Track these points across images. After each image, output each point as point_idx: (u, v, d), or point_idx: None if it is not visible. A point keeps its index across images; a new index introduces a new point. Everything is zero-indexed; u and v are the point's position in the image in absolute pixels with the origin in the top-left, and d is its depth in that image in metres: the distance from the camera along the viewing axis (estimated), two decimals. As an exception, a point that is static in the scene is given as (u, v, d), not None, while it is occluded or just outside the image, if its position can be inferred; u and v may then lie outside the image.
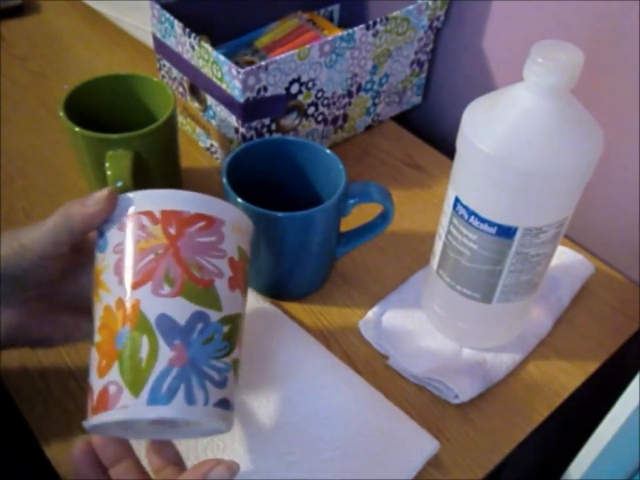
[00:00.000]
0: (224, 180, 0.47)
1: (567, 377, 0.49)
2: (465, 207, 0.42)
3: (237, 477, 0.42)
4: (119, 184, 0.50)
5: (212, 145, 0.65)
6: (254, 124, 0.58)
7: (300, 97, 0.59)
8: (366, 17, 0.75)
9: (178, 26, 0.59)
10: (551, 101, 0.37)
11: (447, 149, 0.62)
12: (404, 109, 0.71)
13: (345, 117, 0.66)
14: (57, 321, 0.40)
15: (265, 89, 0.56)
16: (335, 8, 0.77)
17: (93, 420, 0.33)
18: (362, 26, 0.59)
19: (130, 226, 0.34)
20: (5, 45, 0.79)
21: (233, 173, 0.49)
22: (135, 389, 0.32)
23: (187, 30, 0.58)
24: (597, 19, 0.54)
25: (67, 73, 0.76)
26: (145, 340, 0.32)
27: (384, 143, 0.69)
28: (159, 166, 0.55)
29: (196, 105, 0.63)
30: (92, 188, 0.56)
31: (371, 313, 0.52)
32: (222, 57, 0.55)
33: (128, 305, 0.33)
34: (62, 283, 0.39)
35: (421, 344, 0.50)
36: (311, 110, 0.62)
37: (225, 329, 0.34)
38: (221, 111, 0.59)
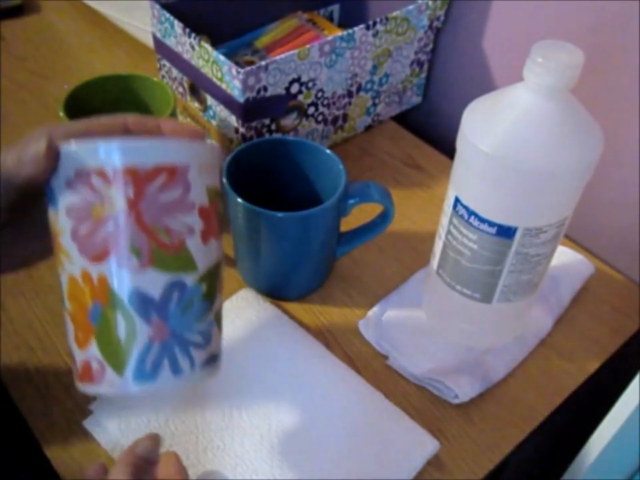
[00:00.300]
0: (224, 180, 0.47)
1: (567, 377, 0.49)
2: (465, 207, 0.42)
3: (237, 477, 0.42)
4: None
5: (212, 145, 0.65)
6: (254, 124, 0.58)
7: (300, 97, 0.59)
8: (366, 17, 0.75)
9: (178, 26, 0.59)
10: (551, 101, 0.37)
11: (447, 149, 0.62)
12: (404, 109, 0.71)
13: (345, 117, 0.66)
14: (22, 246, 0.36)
15: (265, 88, 0.56)
16: (335, 8, 0.77)
17: (81, 387, 0.32)
18: (362, 26, 0.59)
19: (80, 188, 0.30)
20: (5, 45, 0.79)
21: (233, 173, 0.49)
22: (119, 368, 0.30)
23: (187, 30, 0.58)
24: (597, 19, 0.54)
25: (67, 73, 0.76)
26: (119, 318, 0.30)
27: (384, 143, 0.69)
28: (158, 166, 0.55)
29: (196, 104, 0.63)
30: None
31: (371, 313, 0.52)
32: (222, 57, 0.55)
33: (95, 279, 0.30)
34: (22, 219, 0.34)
35: (421, 344, 0.50)
36: (311, 110, 0.62)
37: (204, 287, 0.32)
38: (221, 111, 0.59)
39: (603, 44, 0.54)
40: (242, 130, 0.58)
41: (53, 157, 0.30)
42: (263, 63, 0.54)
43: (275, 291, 0.53)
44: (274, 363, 0.47)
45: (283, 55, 0.55)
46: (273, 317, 0.50)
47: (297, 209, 0.46)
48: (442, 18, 0.66)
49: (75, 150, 0.30)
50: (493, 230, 0.41)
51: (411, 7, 0.61)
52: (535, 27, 0.60)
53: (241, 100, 0.55)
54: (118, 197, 0.29)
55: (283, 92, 0.58)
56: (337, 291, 0.54)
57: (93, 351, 0.31)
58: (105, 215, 0.30)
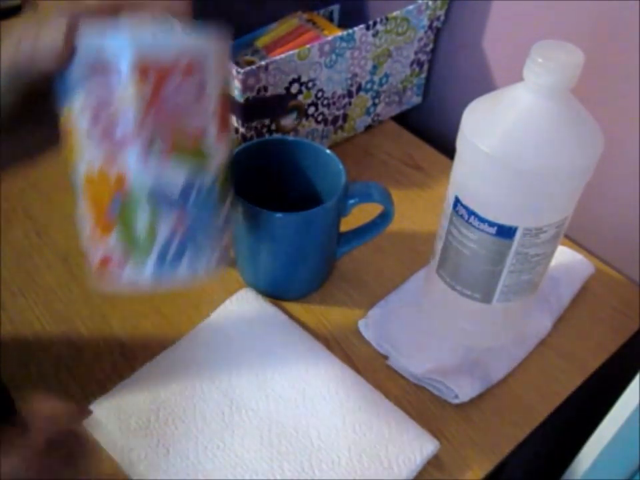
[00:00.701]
0: (224, 180, 0.47)
1: (567, 377, 0.49)
2: (465, 207, 0.42)
3: (237, 477, 0.42)
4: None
5: (212, 145, 0.65)
6: (254, 124, 0.58)
7: (300, 97, 0.59)
8: (366, 17, 0.75)
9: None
10: (551, 101, 0.37)
11: (447, 149, 0.62)
12: (404, 109, 0.71)
13: (345, 117, 0.66)
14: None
15: (265, 88, 0.56)
16: (335, 8, 0.77)
17: (101, 282, 0.32)
18: (362, 26, 0.59)
19: (98, 82, 0.29)
20: (5, 45, 0.79)
21: (233, 173, 0.49)
22: (140, 259, 0.31)
23: (187, 30, 0.58)
24: (597, 19, 0.54)
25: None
26: (142, 211, 0.30)
27: (384, 143, 0.69)
28: (158, 166, 0.55)
29: (196, 104, 0.63)
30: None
31: (371, 313, 0.52)
32: (222, 57, 0.55)
33: (114, 174, 0.29)
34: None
35: (421, 344, 0.50)
36: (311, 110, 0.62)
37: (218, 182, 0.32)
38: (221, 111, 0.59)
39: (603, 44, 0.54)
40: (242, 130, 0.58)
41: (71, 51, 0.27)
42: (263, 62, 0.54)
43: (275, 291, 0.53)
44: (274, 363, 0.47)
45: (283, 55, 0.55)
46: (273, 317, 0.50)
47: (297, 209, 0.46)
48: (442, 18, 0.66)
49: (93, 43, 0.29)
50: (493, 230, 0.41)
51: (410, 7, 0.61)
52: (535, 27, 0.60)
53: (241, 100, 0.55)
54: (137, 91, 0.29)
55: (283, 92, 0.58)
56: (337, 291, 0.54)
57: (114, 245, 0.30)
58: (126, 107, 0.29)
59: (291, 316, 0.52)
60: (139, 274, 0.31)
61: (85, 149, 0.30)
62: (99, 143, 0.29)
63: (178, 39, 0.30)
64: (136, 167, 0.29)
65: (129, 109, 0.29)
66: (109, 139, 0.29)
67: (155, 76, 0.29)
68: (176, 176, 0.30)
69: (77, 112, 0.29)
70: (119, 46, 0.28)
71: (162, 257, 0.30)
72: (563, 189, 0.39)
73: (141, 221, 0.30)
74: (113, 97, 0.29)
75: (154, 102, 0.29)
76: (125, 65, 0.28)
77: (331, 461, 0.43)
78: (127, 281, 0.31)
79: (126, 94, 0.29)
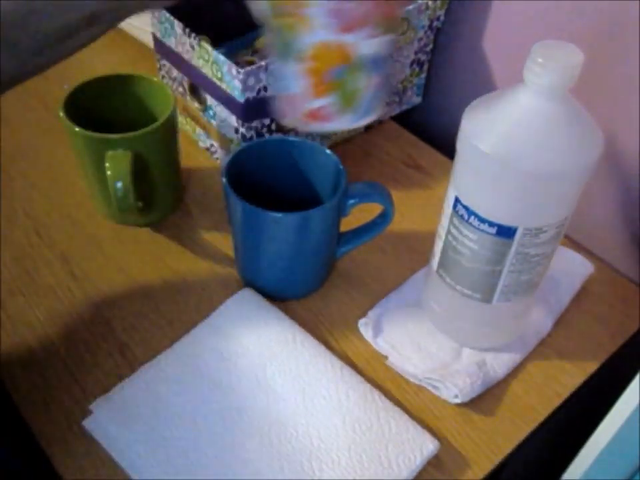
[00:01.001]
0: (224, 180, 0.48)
1: (567, 377, 0.49)
2: (465, 207, 0.42)
3: (237, 477, 0.42)
4: (119, 184, 0.50)
5: (212, 145, 0.65)
6: (254, 124, 0.58)
7: (300, 97, 0.59)
8: (366, 16, 0.75)
9: (178, 26, 0.59)
10: (551, 101, 0.37)
11: (447, 149, 0.62)
12: (404, 109, 0.71)
13: (345, 117, 0.66)
14: None
15: (265, 89, 0.56)
16: None
17: (310, 126, 0.40)
18: (362, 26, 0.59)
19: None
20: (5, 45, 0.79)
21: (233, 173, 0.49)
22: (350, 109, 0.39)
23: (187, 30, 0.58)
24: (597, 19, 0.54)
25: (66, 73, 0.76)
26: (359, 74, 0.38)
27: (384, 143, 0.69)
28: (159, 166, 0.55)
29: (196, 105, 0.63)
30: (92, 188, 0.56)
31: (371, 313, 0.52)
32: (222, 57, 0.55)
33: (345, 46, 0.37)
34: None
35: (421, 344, 0.50)
36: (311, 110, 0.61)
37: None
38: (221, 111, 0.59)
39: (603, 44, 0.54)
40: (242, 130, 0.58)
41: None
42: (263, 63, 0.54)
43: (275, 291, 0.53)
44: (274, 363, 0.47)
45: (283, 55, 0.55)
46: (273, 317, 0.50)
47: (297, 209, 0.46)
48: (442, 18, 0.66)
49: None
50: (493, 230, 0.41)
51: (411, 7, 0.61)
52: (535, 27, 0.60)
53: (241, 100, 0.55)
54: None
55: (283, 92, 0.58)
56: (337, 291, 0.54)
57: (331, 99, 0.38)
58: (356, 4, 0.35)
59: (291, 316, 0.52)
60: (348, 118, 0.40)
61: (325, 24, 0.36)
62: (339, 23, 0.36)
63: None
64: (363, 40, 0.37)
65: (360, 3, 0.36)
66: (347, 20, 0.36)
67: None
68: (383, 44, 0.38)
69: (312, 5, 0.36)
70: None
71: (364, 105, 0.40)
72: (563, 189, 0.39)
73: (358, 80, 0.38)
74: None
75: None
76: None
77: (331, 461, 0.43)
78: (339, 124, 0.40)
79: None
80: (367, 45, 0.37)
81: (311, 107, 0.39)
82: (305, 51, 0.37)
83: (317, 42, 0.37)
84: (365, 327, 0.51)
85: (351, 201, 0.49)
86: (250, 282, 0.54)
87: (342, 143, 0.68)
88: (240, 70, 0.53)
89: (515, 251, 0.42)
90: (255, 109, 0.57)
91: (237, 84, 0.54)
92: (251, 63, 0.56)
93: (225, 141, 0.62)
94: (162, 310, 0.52)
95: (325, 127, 0.40)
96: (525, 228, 0.41)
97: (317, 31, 0.36)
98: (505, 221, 0.41)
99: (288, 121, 0.40)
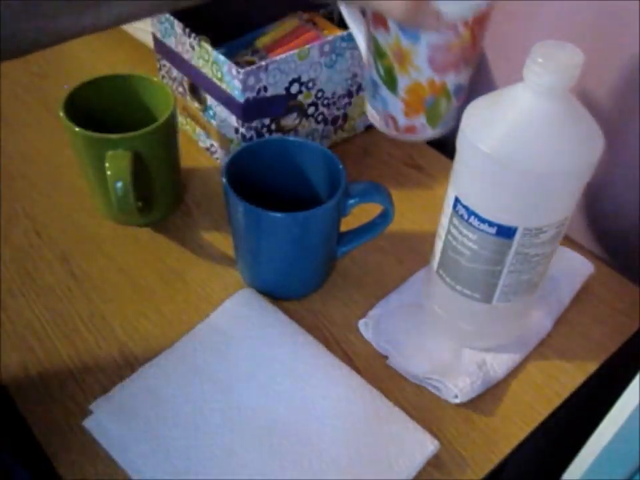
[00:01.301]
0: (224, 180, 0.48)
1: (567, 377, 0.49)
2: (465, 207, 0.42)
3: (237, 477, 0.42)
4: (119, 184, 0.50)
5: (212, 145, 0.65)
6: (254, 124, 0.58)
7: (300, 97, 0.59)
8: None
9: (178, 26, 0.59)
10: (551, 101, 0.37)
11: (447, 149, 0.62)
12: (404, 108, 0.71)
13: (345, 117, 0.66)
14: None
15: (265, 89, 0.56)
16: (335, 8, 0.77)
17: (403, 136, 0.48)
18: (362, 26, 0.59)
19: (448, 34, 0.42)
20: (5, 45, 0.79)
21: (233, 173, 0.49)
22: (435, 126, 0.47)
23: (187, 30, 0.58)
24: (597, 19, 0.54)
25: (67, 73, 0.76)
26: (444, 101, 0.46)
27: (384, 143, 0.69)
28: (159, 166, 0.55)
29: (196, 105, 0.63)
30: (92, 188, 0.56)
31: (371, 313, 0.52)
32: (222, 57, 0.55)
33: (438, 83, 0.45)
34: None
35: (421, 344, 0.50)
36: (311, 110, 0.62)
37: None
38: (221, 111, 0.59)
39: (602, 44, 0.54)
40: (242, 130, 0.58)
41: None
42: (263, 62, 0.54)
43: (275, 291, 0.53)
44: (274, 363, 0.47)
45: (283, 55, 0.55)
46: (273, 316, 0.50)
47: (297, 209, 0.46)
48: (442, 18, 0.66)
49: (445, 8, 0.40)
50: (493, 230, 0.41)
51: (411, 7, 0.61)
52: (535, 27, 0.60)
53: (241, 100, 0.55)
54: (469, 35, 0.42)
55: (283, 92, 0.58)
56: (337, 291, 0.54)
57: (421, 119, 0.47)
58: (458, 46, 0.42)
59: (291, 316, 0.52)
60: (431, 132, 0.48)
61: (422, 67, 0.43)
62: (434, 66, 0.43)
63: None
64: (451, 81, 0.44)
65: (460, 45, 0.42)
66: (442, 63, 0.43)
67: (479, 25, 0.42)
68: (464, 80, 0.46)
69: (422, 46, 0.42)
70: (464, 9, 0.41)
71: (444, 122, 0.48)
72: (563, 189, 0.39)
73: (442, 105, 0.46)
74: (452, 39, 0.42)
75: (475, 38, 0.43)
76: (461, 25, 0.41)
77: (331, 461, 0.43)
78: (424, 135, 0.48)
79: (460, 36, 0.42)
80: (453, 80, 0.45)
81: (406, 124, 0.48)
82: (405, 85, 0.45)
83: (415, 79, 0.45)
84: (365, 327, 0.51)
85: (351, 201, 0.49)
86: (250, 282, 0.54)
87: (342, 143, 0.68)
88: (240, 70, 0.53)
89: (515, 251, 0.42)
90: (254, 109, 0.57)
91: (237, 84, 0.54)
92: (251, 63, 0.56)
93: (224, 141, 0.62)
94: (162, 310, 0.52)
95: (413, 138, 0.48)
96: (525, 228, 0.41)
97: (415, 72, 0.44)
98: (505, 221, 0.41)
99: (386, 131, 0.49)
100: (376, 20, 0.44)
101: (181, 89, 0.65)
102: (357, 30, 0.48)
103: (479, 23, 0.43)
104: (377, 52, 0.45)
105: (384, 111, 0.48)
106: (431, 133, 0.49)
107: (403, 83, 0.45)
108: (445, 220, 0.45)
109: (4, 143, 0.66)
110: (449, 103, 0.47)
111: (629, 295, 0.55)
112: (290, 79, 0.57)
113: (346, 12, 0.49)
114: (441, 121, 0.48)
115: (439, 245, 0.47)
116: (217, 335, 0.49)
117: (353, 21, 0.49)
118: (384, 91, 0.47)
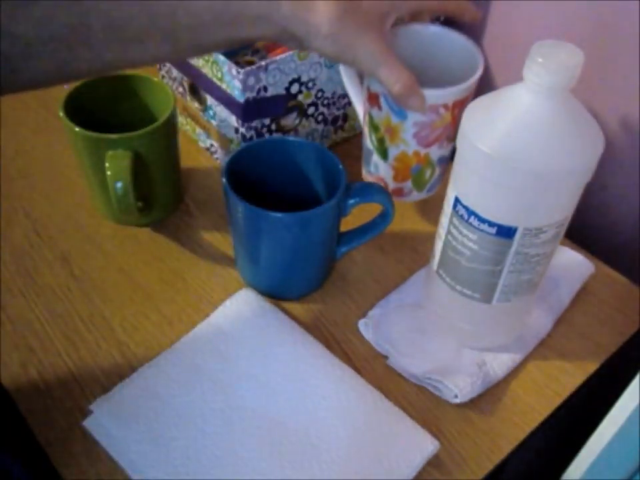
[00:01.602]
0: (224, 180, 0.48)
1: (567, 377, 0.49)
2: (465, 207, 0.42)
3: (237, 477, 0.42)
4: (119, 184, 0.50)
5: (212, 145, 0.65)
6: (254, 124, 0.58)
7: (300, 97, 0.59)
8: (366, 16, 0.74)
9: (178, 26, 0.59)
10: (551, 101, 0.37)
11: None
12: (404, 108, 0.71)
13: (345, 117, 0.66)
14: None
15: (265, 89, 0.56)
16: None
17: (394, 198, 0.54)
18: (362, 26, 0.59)
19: (430, 115, 0.49)
20: (5, 45, 0.79)
21: (233, 173, 0.49)
22: (421, 190, 0.56)
23: (187, 30, 0.58)
24: (597, 19, 0.54)
25: (67, 73, 0.76)
26: (428, 170, 0.54)
27: (384, 143, 0.69)
28: (159, 166, 0.55)
29: (196, 105, 0.63)
30: (92, 188, 0.56)
31: (371, 313, 0.52)
32: (222, 57, 0.55)
33: (422, 154, 0.52)
34: None
35: (421, 344, 0.50)
36: (311, 110, 0.62)
37: None
38: (221, 111, 0.59)
39: (603, 44, 0.54)
40: (242, 130, 0.58)
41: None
42: (263, 62, 0.54)
43: (275, 291, 0.53)
44: (274, 363, 0.47)
45: (283, 55, 0.55)
46: (273, 317, 0.50)
47: (297, 209, 0.46)
48: (442, 18, 0.66)
49: (432, 93, 0.47)
50: (493, 230, 0.41)
51: (411, 7, 0.61)
52: (535, 27, 0.60)
53: (241, 100, 0.55)
54: (450, 116, 0.50)
55: (283, 92, 0.58)
56: (337, 291, 0.54)
57: (408, 184, 0.55)
58: (440, 126, 0.50)
59: (291, 316, 0.52)
60: (417, 195, 0.56)
61: (408, 140, 0.51)
62: (419, 140, 0.51)
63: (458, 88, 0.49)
64: (436, 151, 0.52)
65: (441, 125, 0.50)
66: (425, 139, 0.51)
67: (458, 107, 0.49)
68: (447, 151, 0.53)
69: (409, 124, 0.50)
70: (445, 96, 0.48)
71: (431, 186, 0.56)
72: (563, 189, 0.39)
73: (427, 173, 0.54)
74: (435, 119, 0.49)
75: (454, 120, 0.50)
76: (449, 103, 0.49)
77: (331, 461, 0.43)
78: (411, 198, 0.56)
79: (442, 117, 0.49)
80: (436, 152, 0.52)
81: (395, 187, 0.55)
82: (395, 155, 0.52)
83: (403, 150, 0.52)
84: (365, 327, 0.51)
85: (351, 201, 0.49)
86: (250, 282, 0.54)
87: (342, 143, 0.68)
88: (240, 70, 0.53)
89: (515, 251, 0.42)
90: (254, 109, 0.57)
91: (237, 84, 0.54)
92: (250, 63, 0.56)
93: (224, 141, 0.62)
94: (162, 310, 0.52)
95: (402, 199, 0.56)
96: (525, 228, 0.41)
97: (403, 144, 0.51)
98: (505, 221, 0.41)
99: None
100: (371, 99, 0.51)
101: (181, 89, 0.65)
102: (356, 99, 0.55)
103: (459, 106, 0.49)
104: (372, 125, 0.52)
105: (376, 175, 0.55)
106: (417, 196, 0.56)
107: (392, 152, 0.52)
108: (444, 220, 0.45)
109: (4, 143, 0.66)
110: (433, 171, 0.54)
111: (629, 294, 0.55)
112: (290, 79, 0.57)
113: (347, 82, 0.55)
114: (426, 186, 0.55)
115: (438, 245, 0.47)
116: (217, 334, 0.49)
117: (353, 89, 0.55)
118: (376, 158, 0.54)
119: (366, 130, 0.54)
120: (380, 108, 0.50)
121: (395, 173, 0.54)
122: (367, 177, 0.57)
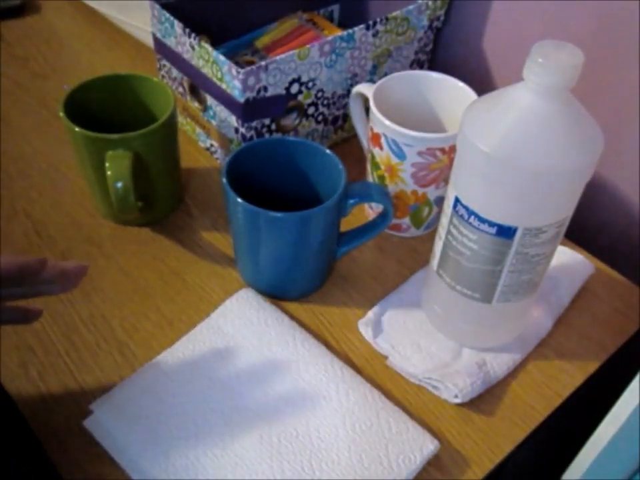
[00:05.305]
0: (224, 180, 0.48)
1: (567, 377, 0.49)
2: (465, 207, 0.42)
3: (237, 477, 0.42)
4: (119, 184, 0.50)
5: (212, 145, 0.65)
6: (254, 124, 0.58)
7: (300, 97, 0.59)
8: (366, 17, 0.75)
9: (178, 26, 0.59)
10: (551, 101, 0.37)
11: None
12: (404, 109, 0.71)
13: (345, 117, 0.66)
14: None
15: (265, 89, 0.56)
16: (335, 8, 0.77)
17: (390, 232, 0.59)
18: (362, 26, 0.59)
19: (428, 157, 0.52)
20: (5, 45, 0.79)
21: (233, 173, 0.49)
22: (418, 227, 0.58)
23: (187, 30, 0.58)
24: (597, 19, 0.54)
25: (66, 73, 0.76)
26: (426, 209, 0.57)
27: (384, 143, 0.69)
28: (159, 166, 0.55)
29: (196, 104, 0.63)
30: (92, 188, 0.56)
31: (371, 313, 0.52)
32: (222, 57, 0.55)
33: (420, 194, 0.55)
34: None
35: (421, 344, 0.50)
36: (311, 110, 0.62)
37: None
38: (221, 111, 0.59)
39: (603, 44, 0.54)
40: (242, 130, 0.58)
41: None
42: (263, 63, 0.54)
43: (275, 291, 0.53)
44: (274, 363, 0.47)
45: (283, 55, 0.55)
46: (273, 316, 0.50)
47: (297, 209, 0.46)
48: (442, 18, 0.66)
49: (425, 137, 0.51)
50: (493, 230, 0.41)
51: (411, 7, 0.61)
52: (535, 27, 0.60)
53: (241, 100, 0.55)
54: (447, 158, 0.52)
55: (283, 92, 0.58)
56: (337, 291, 0.54)
57: (406, 221, 0.58)
58: (437, 167, 0.53)
59: (291, 316, 0.52)
60: (414, 231, 0.59)
61: (407, 180, 0.54)
62: (417, 180, 0.54)
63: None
64: (432, 191, 0.55)
65: (438, 167, 0.53)
66: (423, 179, 0.54)
67: (451, 152, 0.52)
68: (443, 191, 0.55)
69: (406, 162, 0.53)
70: (440, 141, 0.51)
71: (428, 224, 0.59)
72: (563, 189, 0.39)
73: (424, 211, 0.57)
74: (432, 163, 0.52)
75: (450, 161, 0.52)
76: (445, 147, 0.52)
77: (331, 461, 0.43)
78: (408, 234, 0.59)
79: (439, 161, 0.52)
80: (433, 192, 0.55)
81: (394, 223, 0.58)
82: (394, 192, 0.55)
83: (401, 189, 0.55)
84: (365, 327, 0.51)
85: (351, 201, 0.49)
86: (250, 282, 0.54)
87: (342, 143, 0.68)
88: (240, 70, 0.53)
89: (515, 251, 0.42)
90: (254, 109, 0.57)
91: (237, 84, 0.54)
92: (250, 63, 0.56)
93: (224, 141, 0.62)
94: (162, 310, 0.52)
95: (400, 235, 0.59)
96: (525, 228, 0.41)
97: (402, 183, 0.54)
98: (505, 221, 0.41)
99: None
100: (373, 139, 0.54)
101: (181, 89, 0.65)
102: (363, 136, 0.60)
103: (455, 150, 0.49)
104: (373, 163, 0.56)
105: (377, 210, 0.57)
106: (415, 232, 0.59)
107: (392, 190, 0.55)
108: (445, 220, 0.45)
109: (4, 143, 0.66)
110: (431, 210, 0.57)
111: (629, 295, 0.55)
112: (290, 79, 0.57)
113: (355, 119, 0.59)
114: (423, 224, 0.58)
115: (438, 245, 0.47)
116: (217, 334, 0.49)
117: (360, 126, 0.60)
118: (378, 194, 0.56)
119: (368, 167, 0.57)
120: (381, 148, 0.53)
121: (394, 209, 0.55)
122: (369, 212, 0.60)
